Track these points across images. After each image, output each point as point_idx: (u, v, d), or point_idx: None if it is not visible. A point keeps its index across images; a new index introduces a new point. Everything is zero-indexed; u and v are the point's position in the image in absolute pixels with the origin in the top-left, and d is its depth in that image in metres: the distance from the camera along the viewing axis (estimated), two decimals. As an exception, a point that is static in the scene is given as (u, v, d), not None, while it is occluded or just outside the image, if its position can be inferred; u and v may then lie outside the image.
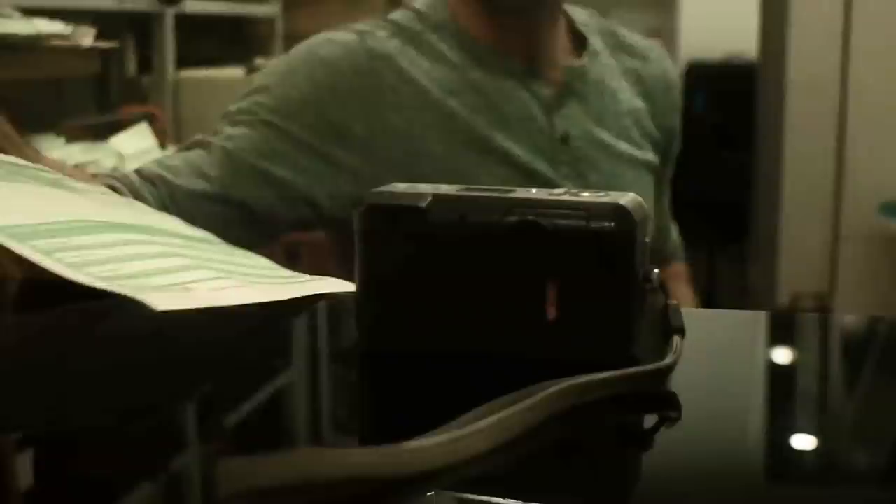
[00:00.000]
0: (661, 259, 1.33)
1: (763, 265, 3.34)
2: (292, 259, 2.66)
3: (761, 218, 3.38)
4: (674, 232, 1.36)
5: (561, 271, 0.51)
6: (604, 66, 1.17)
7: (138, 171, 1.00)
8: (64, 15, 2.47)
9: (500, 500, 0.38)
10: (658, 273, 0.52)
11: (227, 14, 3.47)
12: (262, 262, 0.67)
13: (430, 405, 0.49)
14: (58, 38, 2.42)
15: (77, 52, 2.52)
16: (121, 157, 2.50)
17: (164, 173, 0.99)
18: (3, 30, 2.23)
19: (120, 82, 3.08)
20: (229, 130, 1.04)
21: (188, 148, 1.05)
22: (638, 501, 0.41)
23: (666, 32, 4.31)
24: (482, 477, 0.40)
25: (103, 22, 2.68)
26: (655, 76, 1.23)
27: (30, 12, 2.37)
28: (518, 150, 1.08)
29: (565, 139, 1.11)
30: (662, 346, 0.51)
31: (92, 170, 2.25)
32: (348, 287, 0.62)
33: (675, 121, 1.26)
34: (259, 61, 3.11)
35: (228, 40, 3.60)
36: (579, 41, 1.17)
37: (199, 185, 1.00)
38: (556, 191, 0.53)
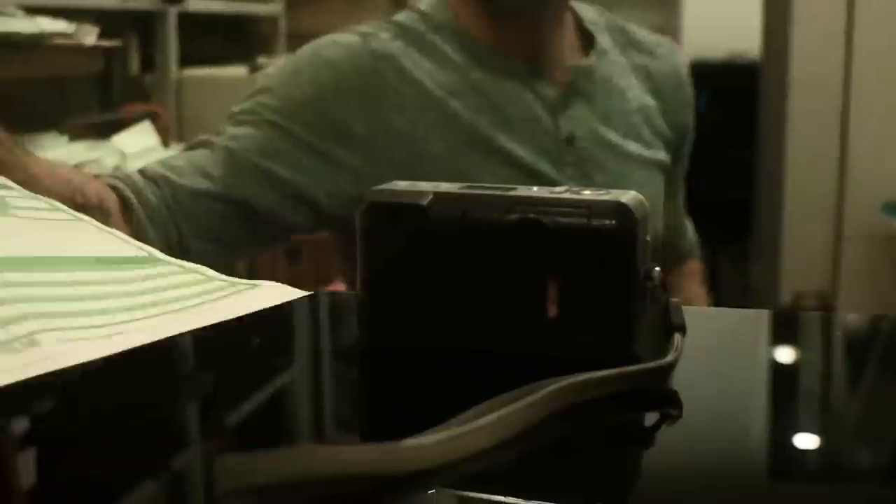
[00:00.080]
0: (677, 257, 1.32)
1: (765, 264, 3.34)
2: (293, 258, 2.66)
3: (763, 216, 3.37)
4: (689, 230, 1.34)
5: (562, 269, 0.51)
6: (612, 64, 1.16)
7: (142, 172, 1.00)
8: (67, 13, 2.47)
9: (501, 497, 0.37)
10: (659, 271, 0.52)
11: (230, 13, 3.46)
12: (195, 286, 0.61)
13: (431, 402, 0.49)
14: (61, 37, 2.42)
15: (80, 50, 2.52)
16: (123, 155, 2.50)
17: (168, 173, 0.99)
18: (6, 28, 2.23)
19: (123, 81, 3.08)
20: (233, 130, 1.04)
21: (191, 148, 1.06)
22: (639, 500, 0.40)
23: (669, 31, 4.29)
24: (482, 474, 0.40)
25: (106, 20, 2.68)
26: (666, 73, 1.22)
27: (33, 11, 2.37)
28: (521, 152, 1.08)
29: (570, 140, 1.10)
30: (663, 344, 0.51)
31: (94, 168, 2.25)
32: (290, 295, 0.61)
33: (688, 118, 1.25)
34: (262, 60, 3.11)
35: (231, 39, 3.60)
36: (587, 39, 1.16)
37: (202, 184, 1.00)
38: (558, 189, 0.53)
